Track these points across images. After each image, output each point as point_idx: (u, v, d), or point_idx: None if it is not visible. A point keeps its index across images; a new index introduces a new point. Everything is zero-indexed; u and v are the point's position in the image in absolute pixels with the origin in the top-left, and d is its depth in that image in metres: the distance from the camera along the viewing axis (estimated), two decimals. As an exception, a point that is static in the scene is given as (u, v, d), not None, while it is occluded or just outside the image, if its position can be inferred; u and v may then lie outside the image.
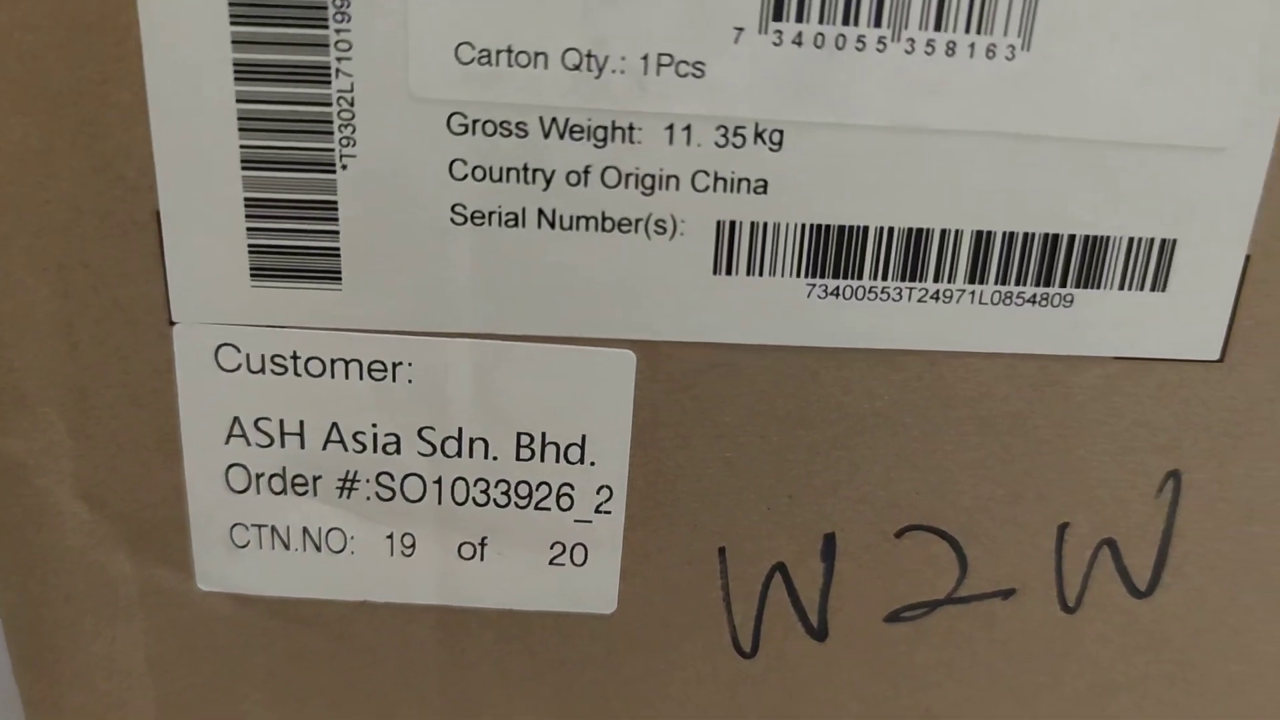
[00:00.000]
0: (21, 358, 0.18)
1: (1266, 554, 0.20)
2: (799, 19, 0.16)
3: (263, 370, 0.18)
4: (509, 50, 0.16)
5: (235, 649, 0.21)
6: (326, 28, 0.16)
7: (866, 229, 0.18)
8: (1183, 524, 0.20)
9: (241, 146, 0.17)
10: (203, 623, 0.20)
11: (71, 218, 0.17)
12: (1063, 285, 0.18)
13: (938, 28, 0.17)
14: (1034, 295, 0.18)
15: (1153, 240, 0.18)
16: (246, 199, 0.17)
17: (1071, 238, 0.18)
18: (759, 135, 0.17)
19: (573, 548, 0.20)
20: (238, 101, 0.17)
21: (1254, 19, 0.17)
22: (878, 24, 0.17)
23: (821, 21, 0.16)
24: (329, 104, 0.17)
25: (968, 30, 0.17)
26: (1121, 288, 0.18)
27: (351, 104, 0.17)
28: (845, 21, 0.16)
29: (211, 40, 0.16)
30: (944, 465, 0.19)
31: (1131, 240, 0.18)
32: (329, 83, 0.17)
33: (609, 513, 0.19)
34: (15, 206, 0.17)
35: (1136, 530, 0.20)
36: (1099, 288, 0.18)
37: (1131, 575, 0.20)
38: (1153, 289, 0.18)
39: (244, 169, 0.17)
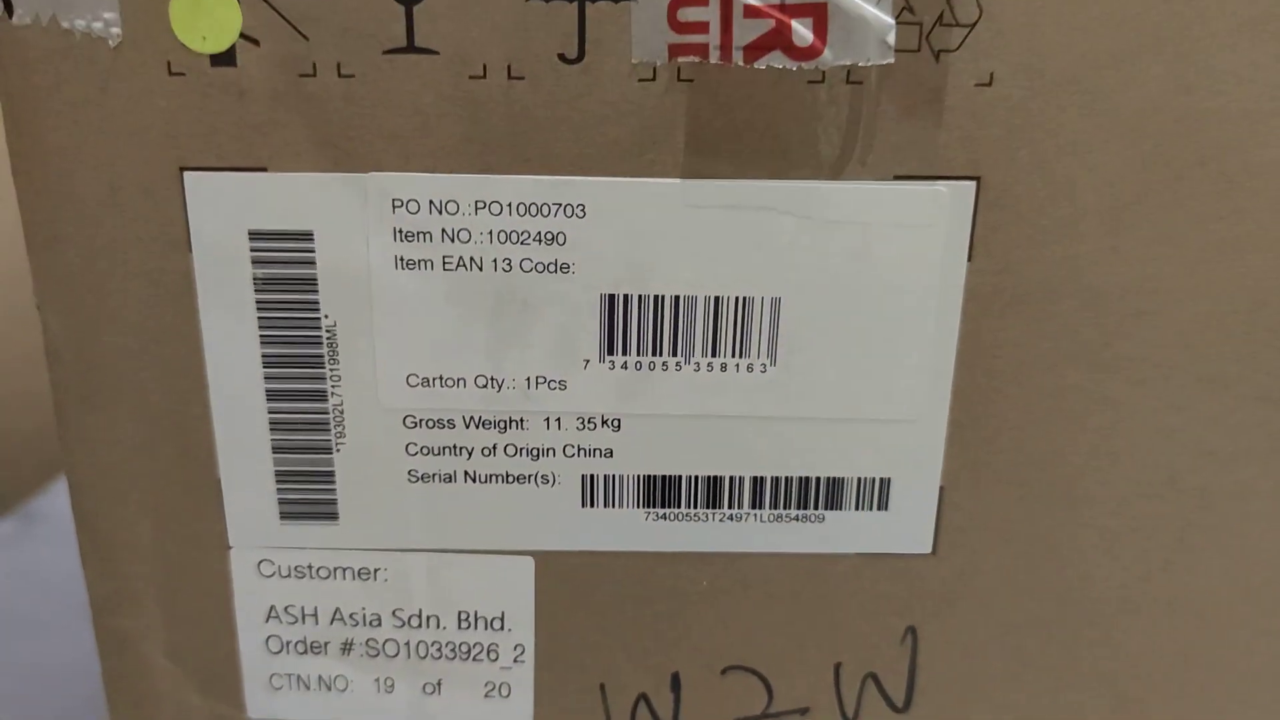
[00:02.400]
0: (132, 569, 0.27)
1: (987, 681, 0.29)
2: (624, 352, 0.25)
3: (289, 576, 0.27)
4: (440, 377, 0.26)
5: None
6: (323, 368, 0.26)
7: (681, 477, 0.27)
8: (923, 660, 0.29)
9: (272, 440, 0.26)
10: (250, 739, 0.29)
11: (164, 483, 0.27)
12: (816, 508, 0.27)
13: (714, 355, 0.26)
14: (797, 514, 0.27)
15: (874, 479, 0.27)
16: (276, 471, 0.26)
17: (818, 479, 0.27)
18: (605, 422, 0.26)
19: (500, 685, 0.29)
20: (269, 413, 0.26)
21: (925, 335, 0.26)
22: (675, 354, 0.26)
23: (638, 354, 0.25)
24: (326, 413, 0.26)
25: (733, 354, 0.26)
26: (857, 509, 0.27)
27: (342, 413, 0.26)
28: (654, 354, 0.25)
29: (252, 377, 0.26)
30: (750, 625, 0.28)
31: (860, 479, 0.27)
32: (326, 400, 0.26)
33: (523, 662, 0.28)
34: (128, 478, 0.26)
35: (890, 666, 0.28)
36: (841, 509, 0.27)
37: (891, 696, 0.29)
38: (879, 509, 0.27)
39: (274, 453, 0.26)
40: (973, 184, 0.24)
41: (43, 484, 0.55)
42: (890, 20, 0.23)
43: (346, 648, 0.28)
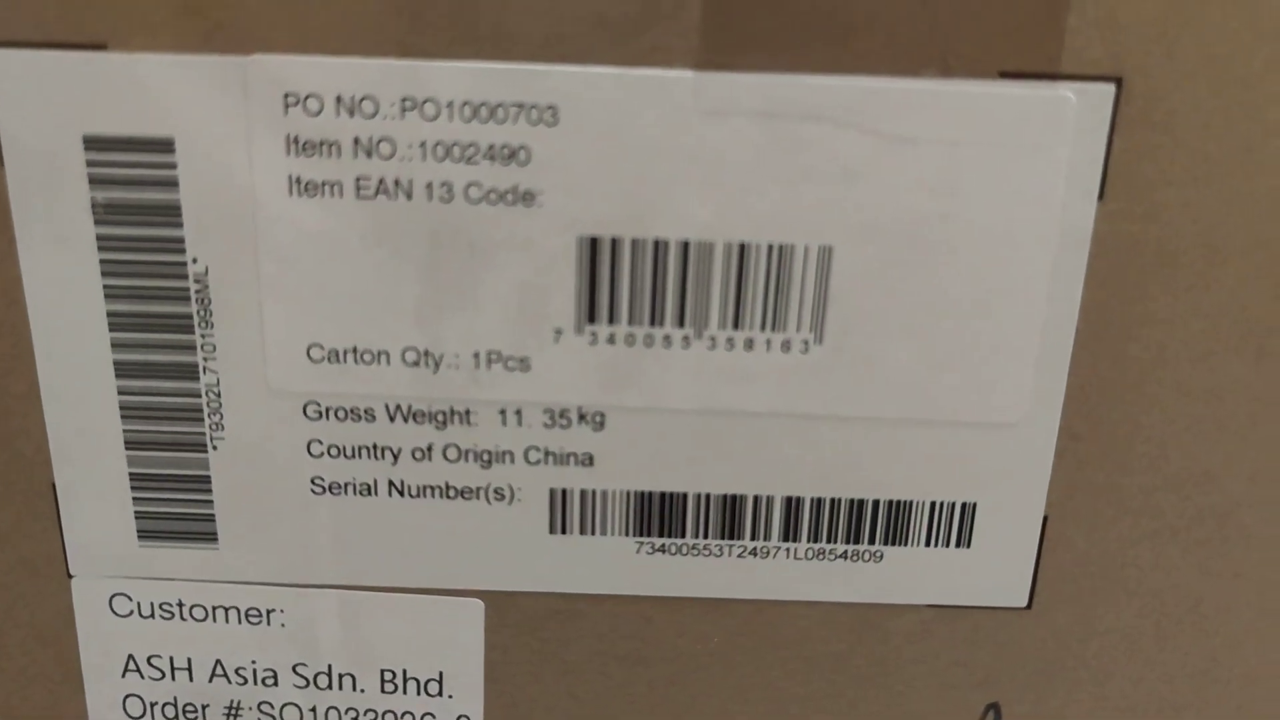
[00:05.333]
0: (-60, 604, 0.20)
1: (1092, 778, 0.22)
2: (611, 321, 0.18)
3: (152, 615, 0.20)
4: (354, 350, 0.19)
5: None
6: (193, 333, 0.19)
7: (686, 495, 0.20)
8: (1009, 750, 0.21)
9: (124, 430, 0.19)
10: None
11: (-20, 488, 0.20)
12: (871, 543, 0.20)
13: (736, 326, 0.18)
14: (845, 551, 0.20)
15: (954, 504, 0.20)
16: (131, 474, 0.19)
17: (876, 502, 0.20)
18: (582, 418, 0.19)
19: (439, 769, 0.22)
20: (119, 394, 0.19)
21: (1033, 307, 0.18)
22: (681, 324, 0.18)
23: (630, 323, 0.18)
24: (198, 395, 0.19)
25: (763, 328, 0.18)
26: (928, 545, 0.20)
27: (219, 395, 0.19)
28: (652, 323, 0.18)
29: (94, 342, 0.19)
30: (775, 699, 0.21)
31: (934, 504, 0.20)
32: (197, 378, 0.19)
33: (469, 739, 0.21)
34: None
35: (964, 757, 0.21)
36: (906, 545, 0.20)
37: (963, 797, 0.22)
38: (958, 546, 0.20)
39: (128, 449, 0.19)
40: (1111, 88, 0.17)
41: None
42: None
43: (232, 713, 0.21)
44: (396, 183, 0.18)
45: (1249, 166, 0.18)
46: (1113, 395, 0.19)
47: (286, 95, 0.17)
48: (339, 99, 0.17)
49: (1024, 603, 0.20)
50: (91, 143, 0.18)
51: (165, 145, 0.18)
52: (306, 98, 0.17)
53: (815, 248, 0.18)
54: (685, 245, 0.18)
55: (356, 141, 0.17)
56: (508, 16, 0.17)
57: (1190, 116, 0.17)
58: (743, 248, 0.18)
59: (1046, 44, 0.17)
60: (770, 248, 0.18)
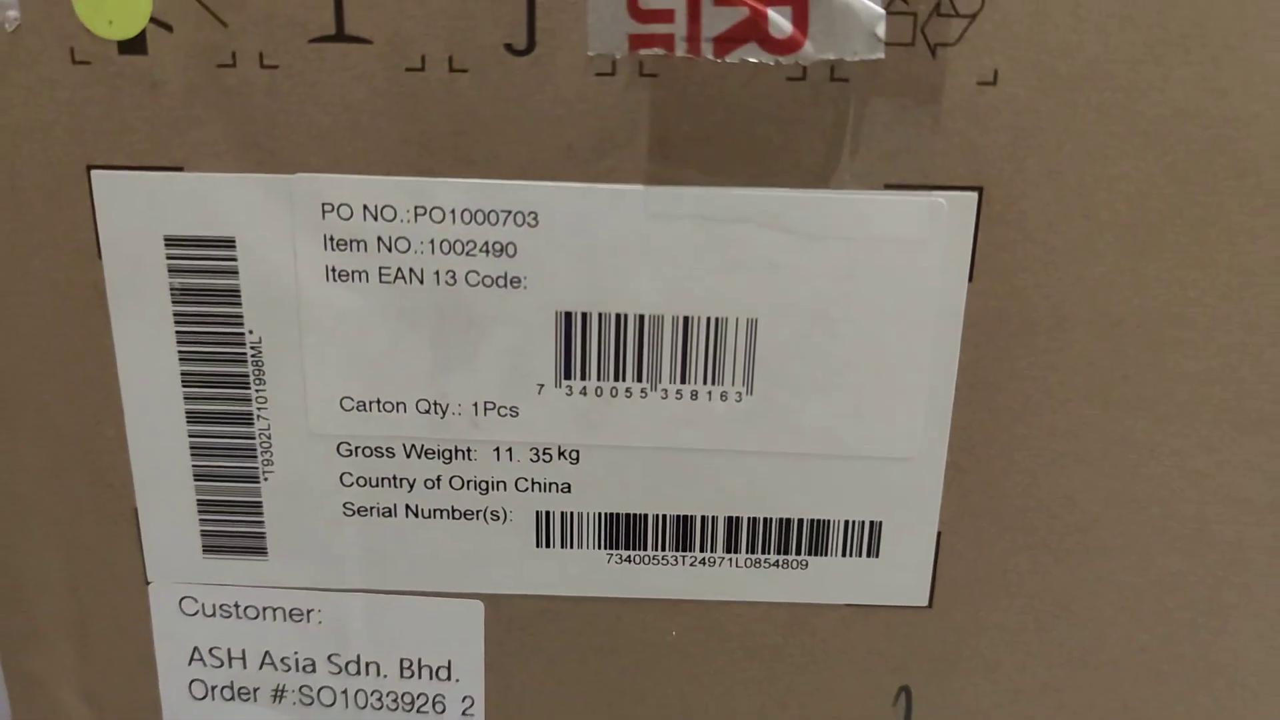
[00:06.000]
0: (40, 606, 0.25)
1: (987, 747, 0.26)
2: (583, 377, 0.23)
3: (214, 615, 0.25)
4: (378, 401, 0.23)
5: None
6: (249, 389, 0.23)
7: (646, 515, 0.24)
8: (918, 725, 0.26)
9: (193, 465, 0.24)
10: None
11: (74, 512, 0.24)
12: (798, 553, 0.24)
13: (683, 381, 0.23)
14: (777, 560, 0.24)
15: (864, 522, 0.24)
16: (198, 500, 0.24)
17: (801, 520, 0.24)
18: (561, 454, 0.23)
19: (448, 740, 0.26)
20: (189, 436, 0.23)
21: (920, 365, 0.23)
22: (639, 379, 0.23)
23: (598, 379, 0.23)
24: (253, 439, 0.23)
25: (704, 382, 0.23)
26: (844, 555, 0.24)
27: (269, 438, 0.23)
28: (615, 378, 0.23)
29: (170, 396, 0.23)
30: (722, 683, 0.25)
31: (848, 522, 0.24)
32: (252, 424, 0.23)
33: (472, 716, 0.26)
34: (36, 506, 0.24)
35: (880, 730, 0.26)
36: (826, 555, 0.24)
37: (880, 764, 0.26)
38: (869, 556, 0.24)
39: (195, 480, 0.24)
40: (974, 195, 0.22)
41: None
42: (880, 9, 0.20)
43: (278, 695, 0.26)
44: (411, 271, 0.22)
45: (1088, 254, 0.22)
46: (989, 435, 0.23)
47: (324, 204, 0.22)
48: (365, 207, 0.22)
49: (925, 602, 0.25)
50: (171, 241, 0.22)
51: (228, 243, 0.22)
52: (340, 206, 0.22)
53: (744, 320, 0.22)
54: (641, 318, 0.22)
55: (379, 240, 0.22)
56: (496, 144, 0.21)
57: (1038, 216, 0.22)
58: (686, 320, 0.22)
59: (922, 162, 0.21)
60: (709, 320, 0.22)
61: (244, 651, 0.25)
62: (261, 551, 0.24)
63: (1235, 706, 0.25)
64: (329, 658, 0.25)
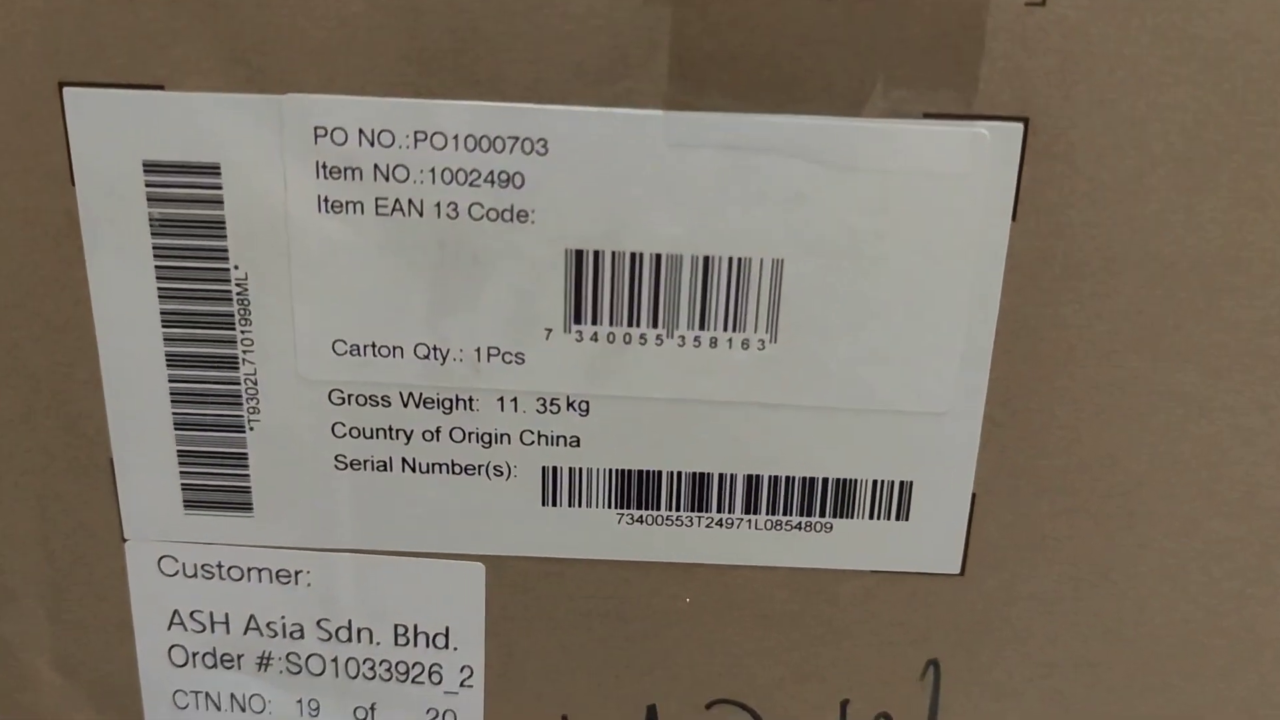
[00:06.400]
0: (9, 564, 0.23)
1: (1018, 725, 0.24)
2: (594, 321, 0.21)
3: (195, 575, 0.23)
4: (373, 345, 0.21)
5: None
6: (234, 329, 0.21)
7: (660, 472, 0.22)
8: (946, 700, 0.24)
9: (173, 413, 0.22)
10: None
11: (46, 462, 0.23)
12: (822, 515, 0.23)
13: (702, 327, 0.21)
14: (799, 523, 0.23)
15: (893, 482, 0.22)
16: (179, 451, 0.22)
17: (825, 480, 0.22)
18: (570, 404, 0.22)
19: (444, 713, 0.24)
20: (169, 381, 0.22)
21: (957, 311, 0.21)
22: (655, 324, 0.21)
23: (611, 323, 0.21)
24: (238, 384, 0.22)
25: (725, 329, 0.21)
26: (871, 517, 0.23)
27: (255, 383, 0.22)
28: (629, 323, 0.21)
29: (149, 337, 0.22)
30: (736, 653, 0.24)
31: (876, 482, 0.22)
32: (237, 368, 0.22)
33: (471, 686, 0.24)
34: (3, 456, 0.23)
35: (906, 705, 0.24)
36: (852, 518, 0.23)
37: (905, 742, 0.24)
38: (898, 519, 0.23)
39: (176, 429, 0.22)
40: (1020, 126, 0.20)
41: None
42: (925, -83, 0.18)
43: (263, 662, 0.24)
44: (410, 202, 0.21)
45: (1139, 190, 0.20)
46: (1029, 389, 0.22)
47: (316, 128, 0.20)
48: (361, 131, 0.20)
49: (957, 569, 0.23)
50: (150, 167, 0.20)
51: (212, 169, 0.21)
52: (333, 130, 0.20)
53: (769, 260, 0.21)
54: (657, 257, 0.21)
55: (376, 167, 0.20)
56: (502, 63, 0.20)
57: (1087, 149, 0.20)
58: (707, 260, 0.21)
59: (964, 89, 0.20)
60: (730, 260, 0.21)
61: (227, 615, 0.24)
62: (246, 507, 0.23)
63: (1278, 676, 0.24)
64: (318, 623, 0.24)
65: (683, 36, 0.20)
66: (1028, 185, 0.20)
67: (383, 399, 0.22)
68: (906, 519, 0.23)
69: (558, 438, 0.22)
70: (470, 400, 0.22)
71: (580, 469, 0.23)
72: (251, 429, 0.22)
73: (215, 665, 0.24)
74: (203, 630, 0.24)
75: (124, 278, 0.21)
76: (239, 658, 0.24)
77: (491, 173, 0.20)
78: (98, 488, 0.23)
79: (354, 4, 0.20)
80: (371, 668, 0.24)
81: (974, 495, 0.23)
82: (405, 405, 0.22)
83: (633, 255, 0.21)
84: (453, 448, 0.22)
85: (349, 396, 0.22)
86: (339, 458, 0.22)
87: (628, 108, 0.20)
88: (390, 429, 0.22)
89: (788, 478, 0.23)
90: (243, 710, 0.24)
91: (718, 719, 0.24)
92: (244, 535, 0.23)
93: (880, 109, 0.20)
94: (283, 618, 0.24)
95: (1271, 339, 0.21)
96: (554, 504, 0.23)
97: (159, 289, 0.21)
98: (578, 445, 0.22)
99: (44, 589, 0.24)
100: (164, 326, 0.22)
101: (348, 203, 0.21)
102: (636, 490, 0.23)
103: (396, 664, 0.24)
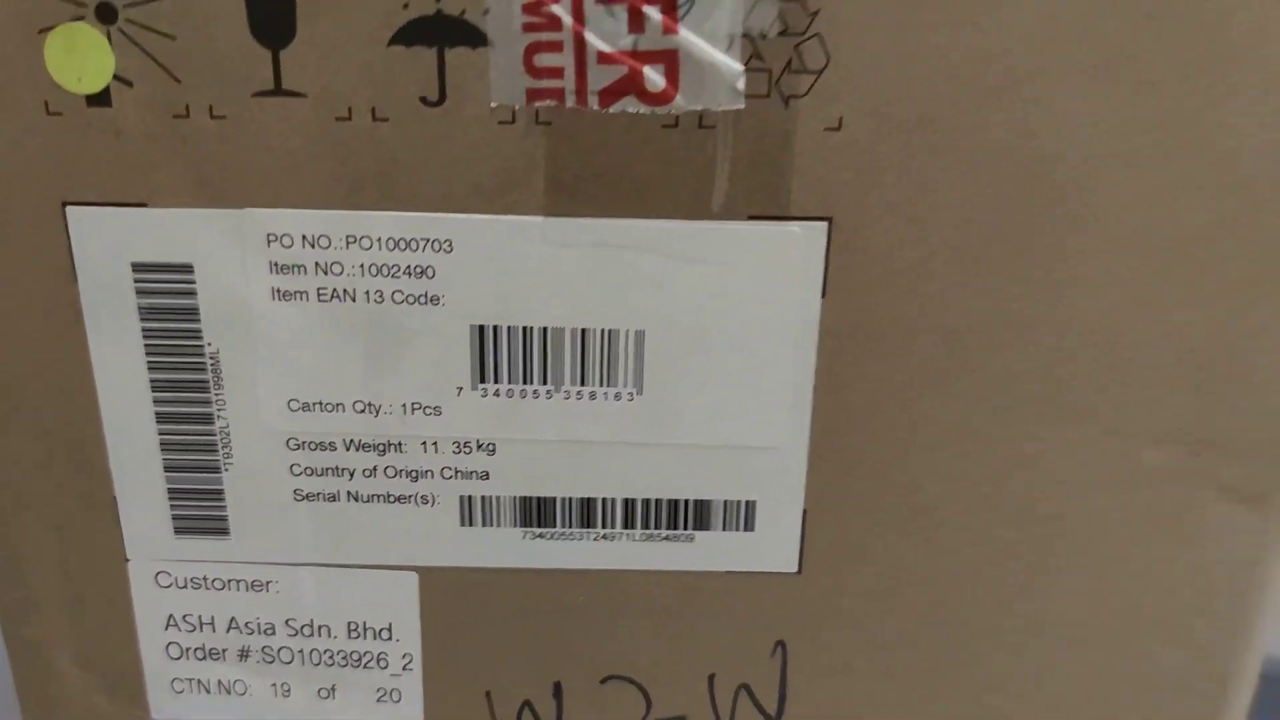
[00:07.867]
0: (34, 580, 0.29)
1: (857, 695, 0.30)
2: (495, 380, 0.27)
3: (185, 587, 0.29)
4: (320, 403, 0.27)
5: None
6: (209, 393, 0.27)
7: (555, 498, 0.28)
8: (793, 672, 0.30)
9: (163, 459, 0.27)
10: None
11: (62, 498, 0.28)
12: (685, 529, 0.28)
13: (582, 383, 0.27)
14: (667, 535, 0.28)
15: (740, 502, 0.28)
16: (169, 488, 0.28)
17: (687, 501, 0.28)
18: (480, 446, 0.27)
19: (391, 691, 0.30)
20: (159, 434, 0.27)
21: (783, 368, 0.26)
22: (545, 381, 0.27)
23: (510, 382, 0.27)
24: (214, 436, 0.27)
25: (600, 384, 0.27)
26: (724, 529, 0.28)
27: (228, 434, 0.27)
28: (524, 381, 0.27)
29: (142, 399, 0.27)
30: (624, 638, 0.29)
31: (726, 502, 0.28)
32: (212, 423, 0.27)
33: (412, 670, 0.30)
34: (30, 494, 0.28)
35: (762, 677, 0.30)
36: (710, 530, 0.28)
37: (763, 705, 0.30)
38: (746, 530, 0.28)
39: (165, 471, 0.28)
40: (824, 224, 0.25)
41: None
42: (739, 67, 0.23)
43: (244, 654, 0.30)
44: (345, 291, 0.26)
45: (923, 273, 0.26)
46: (844, 427, 0.27)
47: (269, 235, 0.25)
48: (304, 237, 0.25)
49: (795, 569, 0.29)
50: (138, 267, 0.26)
51: (187, 269, 0.26)
52: (282, 236, 0.25)
53: (633, 331, 0.26)
54: (545, 330, 0.26)
55: (317, 265, 0.26)
56: (416, 182, 0.25)
57: (880, 241, 0.25)
58: (583, 331, 0.26)
59: (779, 197, 0.25)
60: (602, 331, 0.26)
61: (213, 618, 0.29)
62: (224, 532, 0.28)
63: (1057, 650, 0.29)
64: (286, 622, 0.29)
65: (556, 158, 0.25)
66: (834, 270, 0.26)
67: (329, 445, 0.27)
68: (753, 530, 0.28)
69: (471, 472, 0.28)
70: (400, 444, 0.27)
71: (491, 497, 0.28)
72: (226, 470, 0.28)
73: (205, 658, 0.30)
74: (193, 630, 0.29)
75: (120, 354, 0.26)
76: (224, 651, 0.30)
77: (409, 267, 0.26)
78: (104, 518, 0.28)
79: (295, 138, 0.25)
80: (330, 657, 0.30)
81: (805, 511, 0.28)
82: (348, 449, 0.27)
83: (525, 329, 0.26)
84: (387, 482, 0.28)
85: (303, 443, 0.27)
86: (297, 491, 0.28)
87: (516, 215, 0.25)
88: (337, 468, 0.28)
89: (656, 500, 0.28)
90: (228, 693, 0.30)
91: (611, 692, 0.30)
92: (224, 554, 0.29)
93: (714, 213, 0.25)
94: (257, 618, 0.29)
95: (1036, 386, 0.27)
96: (471, 524, 0.28)
97: (148, 362, 0.26)
98: (487, 478, 0.28)
99: (63, 600, 0.29)
100: (153, 391, 0.27)
101: (295, 292, 0.26)
102: (537, 512, 0.28)
103: (351, 653, 0.30)
